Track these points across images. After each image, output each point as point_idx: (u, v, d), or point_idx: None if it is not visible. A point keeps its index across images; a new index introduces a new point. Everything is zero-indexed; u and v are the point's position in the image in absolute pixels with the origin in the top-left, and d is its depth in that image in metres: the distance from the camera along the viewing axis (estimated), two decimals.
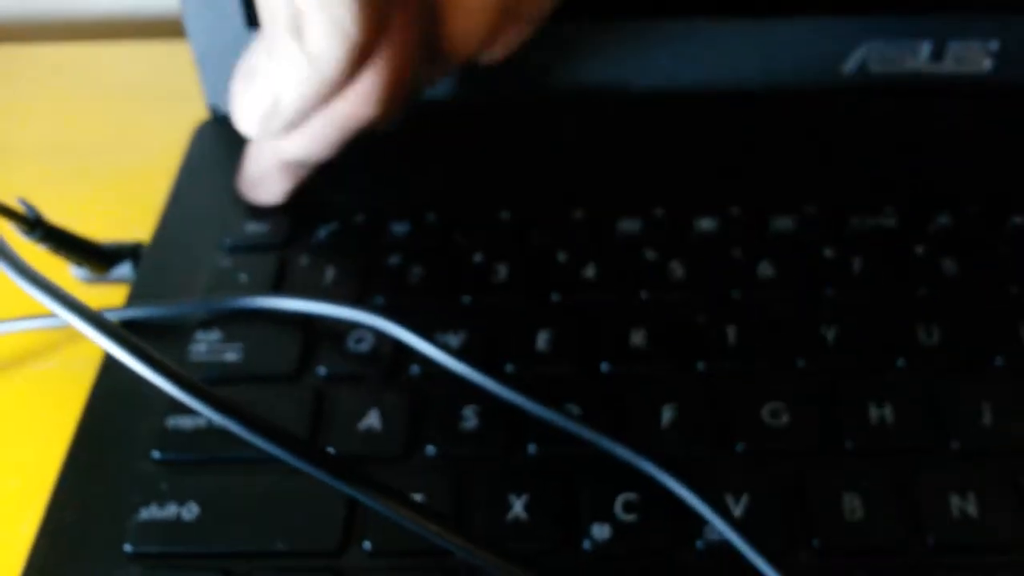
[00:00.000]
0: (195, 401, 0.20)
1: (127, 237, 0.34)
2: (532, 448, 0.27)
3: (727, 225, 0.32)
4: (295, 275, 0.32)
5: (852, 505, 0.25)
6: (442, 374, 0.28)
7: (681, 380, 0.28)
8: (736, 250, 0.32)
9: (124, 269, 0.33)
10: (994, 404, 0.27)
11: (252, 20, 0.36)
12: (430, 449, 0.27)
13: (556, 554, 0.25)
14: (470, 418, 0.27)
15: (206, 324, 0.30)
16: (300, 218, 0.34)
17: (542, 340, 0.29)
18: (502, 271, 0.31)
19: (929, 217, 0.32)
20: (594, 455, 0.26)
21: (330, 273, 0.32)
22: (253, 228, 0.33)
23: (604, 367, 0.29)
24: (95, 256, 0.32)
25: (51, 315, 0.31)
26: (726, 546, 0.24)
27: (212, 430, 0.27)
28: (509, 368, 0.29)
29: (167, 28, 0.50)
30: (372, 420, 0.27)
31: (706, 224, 0.32)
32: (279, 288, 0.31)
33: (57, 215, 0.32)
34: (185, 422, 0.28)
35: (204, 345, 0.30)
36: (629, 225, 0.33)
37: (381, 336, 0.29)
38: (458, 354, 0.27)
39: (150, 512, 0.26)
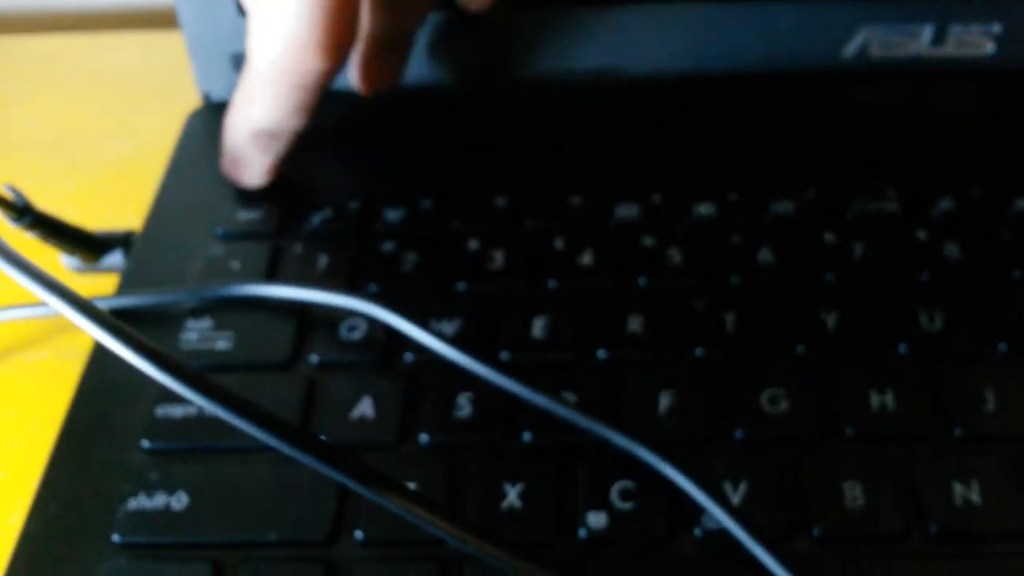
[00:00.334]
0: (185, 388, 0.20)
1: (118, 226, 0.34)
2: (527, 436, 0.26)
3: (726, 210, 0.32)
4: (288, 263, 0.32)
5: (853, 493, 0.25)
6: (436, 362, 0.28)
7: (679, 367, 0.28)
8: (735, 236, 0.31)
9: (115, 258, 0.33)
10: (996, 390, 0.27)
11: (244, 8, 0.36)
12: (424, 437, 0.26)
13: (551, 543, 0.24)
14: (464, 406, 0.27)
15: (197, 312, 0.30)
16: (293, 205, 0.33)
17: (538, 327, 0.29)
18: (498, 258, 0.31)
19: (931, 202, 0.32)
20: (590, 443, 0.26)
21: (323, 260, 0.31)
22: (245, 216, 0.33)
23: (601, 354, 0.28)
24: (86, 244, 0.32)
25: (39, 304, 0.31)
26: (724, 534, 0.24)
27: (202, 419, 0.27)
28: (504, 355, 0.28)
29: (158, 18, 0.50)
30: (365, 408, 0.27)
31: (704, 209, 0.32)
32: (272, 276, 0.31)
33: (48, 204, 0.32)
34: (175, 411, 0.27)
35: (195, 333, 0.29)
36: (626, 211, 0.33)
37: (374, 324, 0.29)
38: (452, 341, 0.27)
39: (139, 502, 0.26)
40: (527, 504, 0.25)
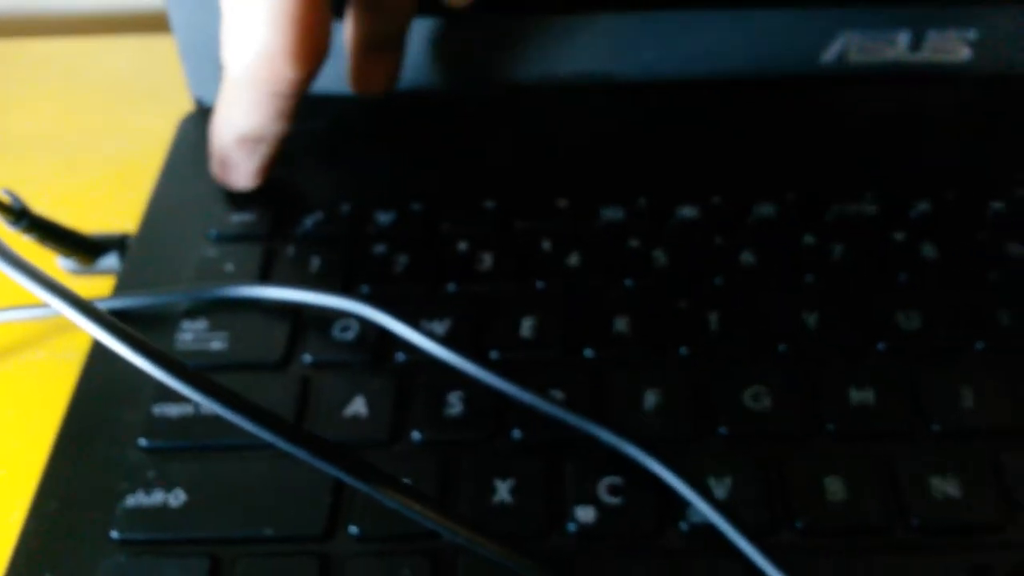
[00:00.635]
0: (184, 386, 0.21)
1: (113, 229, 0.34)
2: (517, 433, 0.27)
3: (709, 213, 0.33)
4: (281, 264, 0.32)
5: (834, 487, 0.25)
6: (427, 361, 0.28)
7: (664, 366, 0.28)
8: (718, 238, 0.32)
9: (110, 260, 0.33)
10: (973, 387, 0.27)
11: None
12: (416, 435, 0.27)
13: (541, 537, 0.25)
14: (455, 404, 0.27)
15: (192, 313, 0.30)
16: (285, 208, 0.34)
17: (526, 327, 0.29)
18: (487, 259, 0.32)
19: (908, 204, 0.33)
20: (578, 439, 0.26)
21: (316, 262, 0.32)
22: (238, 218, 0.33)
23: (588, 353, 0.29)
24: (81, 247, 0.33)
25: (37, 306, 0.31)
26: (709, 528, 0.24)
27: (198, 418, 0.28)
28: (494, 355, 0.29)
29: (151, 22, 0.50)
30: (358, 406, 0.27)
31: (688, 212, 0.33)
32: (265, 277, 0.32)
33: (43, 206, 0.32)
34: (171, 410, 0.28)
35: (190, 334, 0.30)
36: (612, 214, 0.33)
37: (367, 324, 0.29)
38: (443, 341, 0.28)
39: (137, 499, 0.26)
40: (517, 499, 0.25)
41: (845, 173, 0.34)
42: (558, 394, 0.27)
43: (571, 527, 0.25)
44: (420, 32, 0.37)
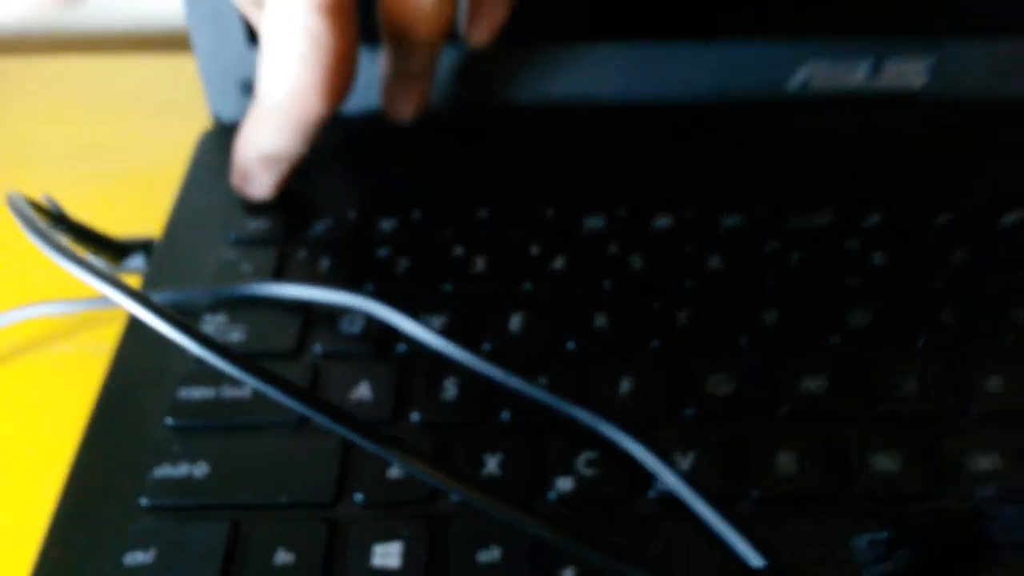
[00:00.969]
0: (227, 364, 0.23)
1: (139, 233, 0.36)
2: (505, 415, 0.29)
3: (682, 223, 0.35)
4: (293, 265, 0.34)
5: (786, 461, 0.28)
6: (425, 352, 0.30)
7: (638, 357, 0.31)
8: (689, 245, 0.34)
9: (137, 261, 0.35)
10: (916, 376, 0.30)
11: (252, 38, 0.39)
12: (415, 416, 0.29)
13: (525, 504, 0.27)
14: (450, 389, 0.30)
15: (213, 309, 0.33)
16: (297, 215, 0.36)
17: (515, 322, 0.32)
18: (480, 263, 0.34)
19: (862, 216, 0.35)
20: (561, 421, 0.29)
21: (325, 263, 0.34)
22: (254, 224, 0.36)
23: (570, 346, 0.31)
24: (111, 249, 0.35)
25: (68, 301, 0.34)
26: (675, 497, 0.27)
27: (220, 400, 0.30)
28: (486, 347, 0.31)
29: (175, 42, 0.52)
30: (363, 391, 0.30)
31: (663, 222, 0.35)
32: (279, 277, 0.34)
33: (75, 212, 0.34)
34: (195, 393, 0.30)
35: (212, 326, 0.32)
36: (594, 222, 0.35)
37: (371, 319, 0.32)
38: (440, 333, 0.30)
39: (164, 471, 0.28)
40: (504, 471, 0.28)
41: (806, 188, 0.37)
42: (543, 380, 0.30)
43: (551, 495, 0.27)
44: None
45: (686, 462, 0.28)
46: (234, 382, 0.30)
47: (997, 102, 0.40)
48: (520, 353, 0.31)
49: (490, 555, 0.26)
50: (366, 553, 0.26)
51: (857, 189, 0.37)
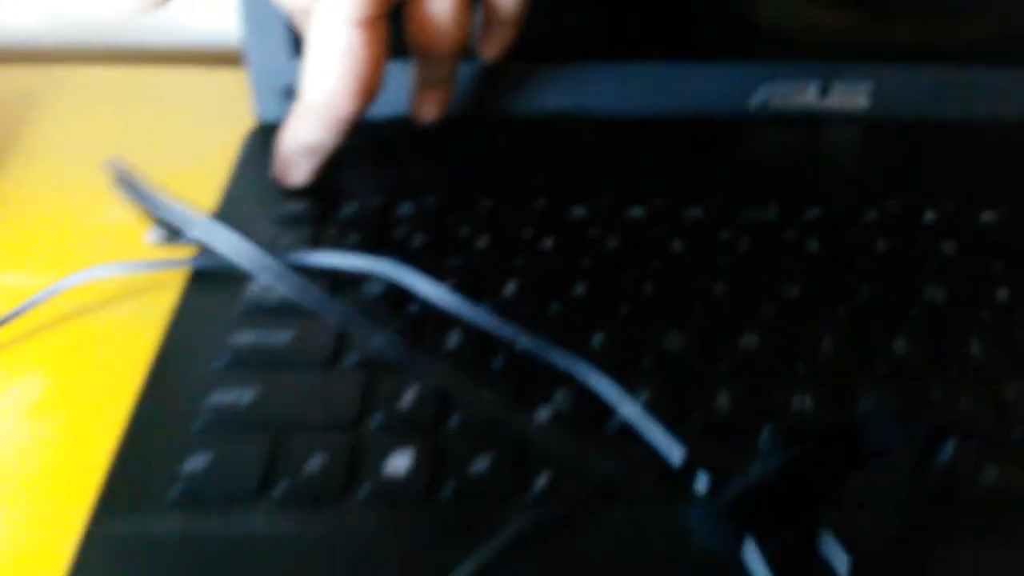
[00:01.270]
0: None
1: None
2: (499, 361, 0.34)
3: (652, 213, 0.40)
4: (325, 241, 0.39)
5: (722, 402, 0.33)
6: (433, 311, 0.35)
7: (608, 318, 0.36)
8: (657, 230, 0.40)
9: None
10: (833, 340, 0.35)
11: (296, 50, 0.44)
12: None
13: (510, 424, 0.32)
14: (453, 338, 0.35)
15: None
16: (329, 200, 0.41)
17: (509, 288, 0.37)
18: (482, 241, 0.39)
19: (802, 211, 0.41)
20: (544, 366, 0.33)
21: (352, 239, 0.39)
22: (293, 207, 0.41)
23: (554, 308, 0.36)
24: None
25: (121, 263, 0.38)
26: (629, 427, 0.32)
27: (262, 345, 0.34)
28: (484, 307, 0.36)
29: (220, 57, 0.57)
30: (382, 341, 0.35)
31: (636, 212, 0.41)
32: (314, 247, 0.39)
33: None
34: (242, 338, 0.35)
35: (256, 287, 0.37)
36: (578, 211, 0.40)
37: (388, 285, 0.37)
38: (448, 293, 0.35)
39: (216, 398, 0.32)
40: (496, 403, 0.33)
41: (757, 188, 0.42)
42: (530, 332, 0.34)
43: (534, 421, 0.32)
44: None
45: (641, 398, 0.33)
46: (274, 329, 0.35)
47: (931, 123, 0.46)
48: (512, 312, 0.35)
49: (481, 464, 0.31)
50: (381, 464, 0.30)
51: (800, 190, 0.42)
